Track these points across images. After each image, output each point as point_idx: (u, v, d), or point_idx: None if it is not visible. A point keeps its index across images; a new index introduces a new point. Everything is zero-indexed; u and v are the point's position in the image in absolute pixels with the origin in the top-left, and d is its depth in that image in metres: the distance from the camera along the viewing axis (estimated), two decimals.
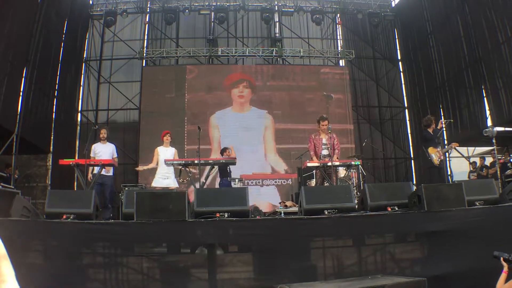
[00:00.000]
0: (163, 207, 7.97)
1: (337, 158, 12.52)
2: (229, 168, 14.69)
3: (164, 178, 12.56)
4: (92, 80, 24.34)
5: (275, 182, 21.91)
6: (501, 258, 6.35)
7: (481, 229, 8.40)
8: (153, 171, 13.55)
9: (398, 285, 7.02)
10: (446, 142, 13.11)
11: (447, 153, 13.36)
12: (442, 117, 21.43)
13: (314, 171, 13.02)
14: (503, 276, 6.34)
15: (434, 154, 12.77)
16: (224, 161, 12.84)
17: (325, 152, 12.52)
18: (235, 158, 13.37)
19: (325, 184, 11.94)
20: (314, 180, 13.19)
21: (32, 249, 8.03)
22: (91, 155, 12.40)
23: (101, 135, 13.02)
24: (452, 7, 20.76)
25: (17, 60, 16.25)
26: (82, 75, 24.16)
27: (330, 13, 25.78)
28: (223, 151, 15.19)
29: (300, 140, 21.01)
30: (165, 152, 12.87)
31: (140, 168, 16.36)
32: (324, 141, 12.63)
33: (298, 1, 24.30)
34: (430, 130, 13.30)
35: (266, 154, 22.25)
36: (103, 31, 24.70)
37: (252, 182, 21.47)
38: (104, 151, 12.63)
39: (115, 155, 13.02)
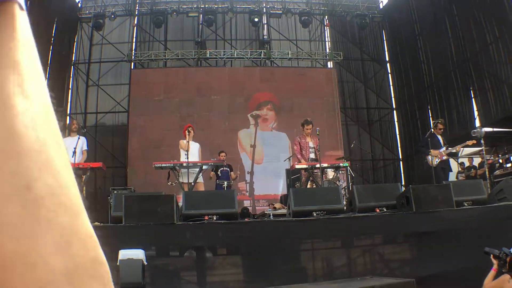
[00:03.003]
0: (152, 210, 7.96)
1: None
2: (220, 172, 14.66)
3: (193, 173, 11.93)
4: (80, 83, 24.25)
5: None
6: (491, 255, 6.39)
7: (470, 230, 8.44)
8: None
9: (386, 286, 7.04)
10: (442, 143, 13.14)
11: (453, 152, 13.50)
12: (430, 118, 21.55)
13: (300, 173, 13.00)
14: (492, 273, 6.39)
15: (432, 156, 12.97)
16: (212, 163, 12.76)
17: (312, 155, 12.51)
18: (223, 160, 13.39)
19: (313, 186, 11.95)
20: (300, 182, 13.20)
21: None
22: None
23: (72, 128, 12.40)
24: (440, 8, 20.83)
25: None
26: (71, 78, 24.08)
27: (318, 15, 25.78)
28: (219, 153, 15.13)
29: None
30: (192, 146, 12.25)
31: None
32: (310, 144, 12.62)
33: (286, 3, 24.33)
34: (435, 133, 13.52)
35: None
36: (92, 34, 24.60)
37: None
38: (71, 144, 11.59)
39: (85, 148, 12.26)
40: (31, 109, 0.56)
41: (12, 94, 0.56)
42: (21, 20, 0.62)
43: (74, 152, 11.47)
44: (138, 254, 7.07)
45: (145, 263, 7.10)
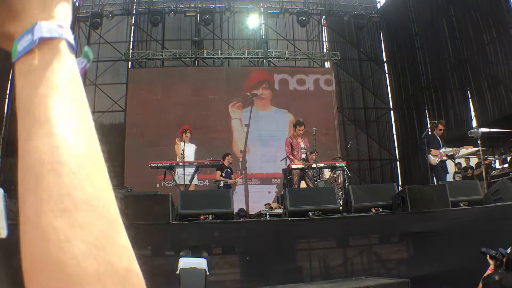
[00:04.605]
0: (147, 209, 7.95)
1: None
2: (224, 173, 14.73)
3: (188, 175, 11.94)
4: None
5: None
6: (488, 256, 6.43)
7: (465, 230, 8.45)
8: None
9: (381, 286, 7.05)
10: (441, 144, 13.25)
11: (451, 154, 13.61)
12: (427, 118, 21.59)
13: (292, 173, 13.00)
14: (488, 273, 6.42)
15: (433, 155, 13.08)
16: (208, 163, 12.74)
17: (303, 156, 12.54)
18: (220, 160, 13.44)
19: (308, 186, 11.97)
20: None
21: (17, 252, 8.00)
22: None
23: None
24: (437, 8, 20.86)
25: (3, 63, 16.16)
26: None
27: (315, 15, 25.82)
28: (224, 156, 15.21)
29: None
30: (186, 148, 12.20)
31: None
32: (302, 145, 12.64)
33: (283, 3, 24.34)
34: (435, 134, 13.59)
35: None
36: (89, 33, 24.58)
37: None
38: None
39: None
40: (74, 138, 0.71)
41: (54, 119, 0.72)
42: (67, 56, 0.81)
43: None
44: (201, 263, 7.01)
45: (208, 272, 7.03)
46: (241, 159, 21.81)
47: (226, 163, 14.89)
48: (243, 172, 21.63)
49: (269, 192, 21.42)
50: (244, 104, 22.93)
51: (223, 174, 14.69)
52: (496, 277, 6.43)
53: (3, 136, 15.99)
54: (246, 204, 20.32)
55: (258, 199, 20.24)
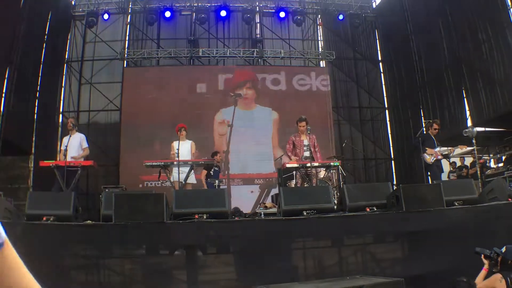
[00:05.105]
0: (141, 208, 7.94)
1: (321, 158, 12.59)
2: (212, 171, 14.72)
3: (183, 173, 11.91)
4: (73, 81, 24.08)
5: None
6: (482, 255, 6.44)
7: (460, 229, 8.48)
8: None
9: (376, 286, 7.05)
10: (436, 143, 13.31)
11: (446, 153, 13.66)
12: (422, 117, 21.60)
13: (294, 172, 12.96)
14: (483, 272, 6.44)
15: (429, 154, 13.11)
16: (203, 162, 12.73)
17: (307, 153, 12.47)
18: (214, 160, 13.44)
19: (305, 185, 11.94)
20: (294, 181, 13.14)
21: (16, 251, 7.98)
22: (62, 148, 12.28)
23: (67, 127, 12.89)
24: (433, 7, 20.84)
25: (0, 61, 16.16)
26: (64, 76, 23.96)
27: (311, 14, 25.80)
28: (213, 154, 15.25)
29: None
30: (181, 146, 12.26)
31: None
32: (305, 142, 12.58)
33: (279, 2, 24.32)
34: (430, 133, 13.62)
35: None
36: (85, 32, 24.49)
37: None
38: (71, 143, 12.22)
39: (85, 145, 12.59)
40: None
41: None
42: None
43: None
44: None
45: None
46: (223, 159, 21.77)
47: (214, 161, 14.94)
48: (226, 172, 21.60)
49: (251, 192, 21.41)
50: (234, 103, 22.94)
51: (211, 172, 14.70)
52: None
53: None
54: (228, 185, 20.36)
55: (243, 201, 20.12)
